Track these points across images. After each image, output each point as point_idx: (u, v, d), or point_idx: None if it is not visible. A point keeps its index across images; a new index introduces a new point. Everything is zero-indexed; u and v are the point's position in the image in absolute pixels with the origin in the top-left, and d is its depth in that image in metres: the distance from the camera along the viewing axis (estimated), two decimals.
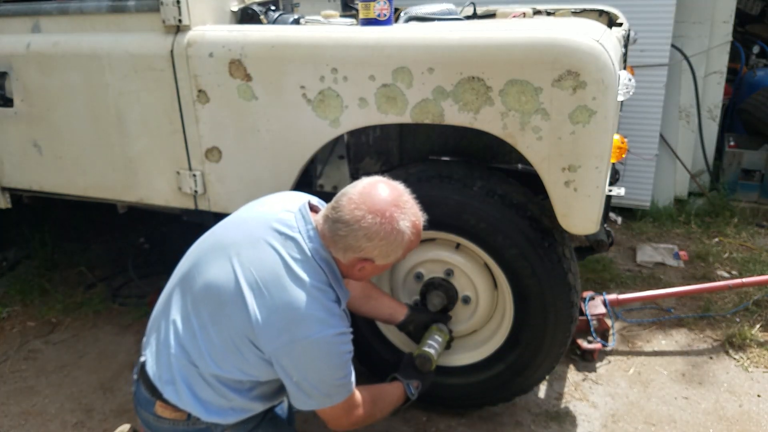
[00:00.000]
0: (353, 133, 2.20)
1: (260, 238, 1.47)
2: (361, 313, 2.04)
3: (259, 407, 1.59)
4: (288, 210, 1.54)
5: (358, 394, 1.60)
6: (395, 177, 2.07)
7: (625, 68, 2.28)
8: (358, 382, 1.62)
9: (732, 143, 4.24)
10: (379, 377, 2.41)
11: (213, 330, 1.45)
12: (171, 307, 1.54)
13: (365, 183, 1.50)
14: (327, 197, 2.34)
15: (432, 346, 1.97)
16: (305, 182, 2.32)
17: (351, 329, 1.52)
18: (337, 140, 2.13)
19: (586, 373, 2.60)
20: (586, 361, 2.66)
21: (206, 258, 1.51)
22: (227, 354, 1.45)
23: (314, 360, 1.43)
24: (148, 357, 1.56)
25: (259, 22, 2.26)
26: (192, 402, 1.49)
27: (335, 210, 1.46)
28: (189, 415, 1.50)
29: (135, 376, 1.61)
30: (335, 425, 1.60)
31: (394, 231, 1.45)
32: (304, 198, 1.59)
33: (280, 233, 1.48)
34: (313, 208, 1.59)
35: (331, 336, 1.42)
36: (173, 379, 1.50)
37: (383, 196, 1.47)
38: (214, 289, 1.45)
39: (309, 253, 1.46)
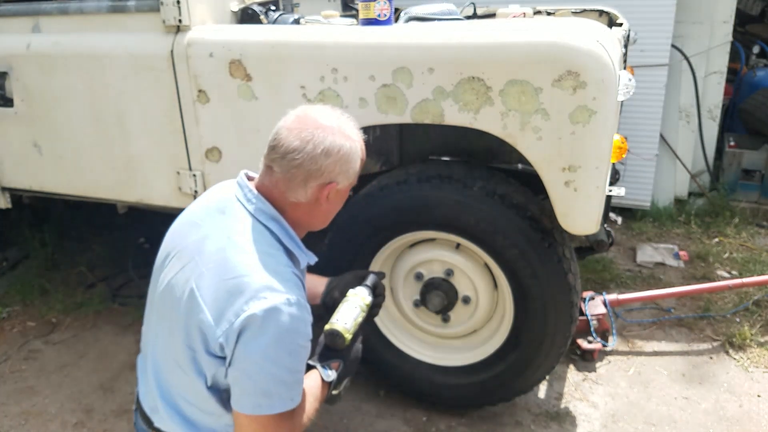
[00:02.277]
0: None
1: (203, 227, 1.37)
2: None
3: None
4: (225, 188, 1.45)
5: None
6: (395, 177, 2.09)
7: (625, 68, 2.28)
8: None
9: (732, 143, 4.24)
10: (379, 378, 2.42)
11: (175, 342, 1.33)
12: (147, 331, 1.48)
13: (295, 112, 1.40)
14: None
15: (341, 317, 1.59)
16: None
17: (308, 308, 1.33)
18: None
19: (586, 373, 2.60)
20: (586, 361, 2.66)
21: (161, 273, 1.42)
22: (189, 364, 1.31)
23: (257, 336, 1.22)
24: (140, 385, 1.50)
25: (259, 22, 2.26)
26: (182, 425, 1.39)
27: (276, 149, 1.35)
28: None
29: (134, 407, 1.54)
30: None
31: (347, 140, 1.37)
32: (240, 174, 1.46)
33: (221, 212, 1.38)
34: (251, 178, 1.47)
35: (280, 304, 1.23)
36: (156, 406, 1.41)
37: (319, 113, 1.39)
38: (169, 301, 1.35)
39: (251, 217, 1.35)
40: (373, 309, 1.71)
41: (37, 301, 3.27)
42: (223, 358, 1.27)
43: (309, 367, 1.47)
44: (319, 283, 1.84)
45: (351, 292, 1.67)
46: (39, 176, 2.61)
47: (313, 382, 1.43)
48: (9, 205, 2.79)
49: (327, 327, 1.55)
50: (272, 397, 1.25)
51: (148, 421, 1.45)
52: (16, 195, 2.79)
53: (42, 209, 3.79)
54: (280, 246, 1.35)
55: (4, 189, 2.74)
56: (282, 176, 1.35)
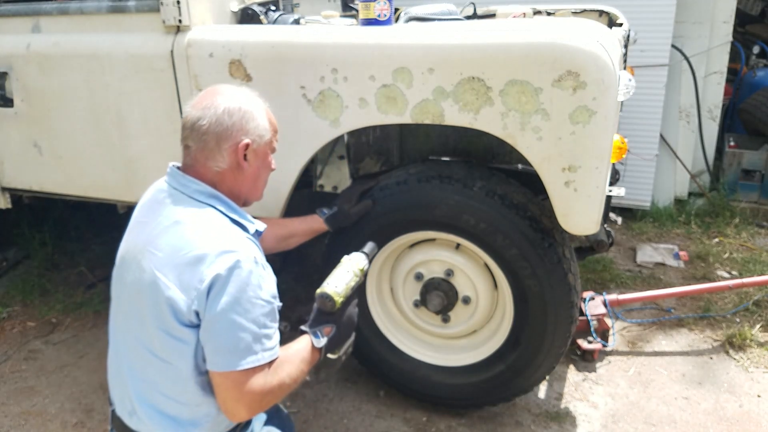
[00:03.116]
0: (353, 134, 2.20)
1: (148, 222, 1.43)
2: (281, 245, 2.00)
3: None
4: (158, 184, 1.52)
5: (274, 364, 1.39)
6: (395, 177, 2.09)
7: (625, 68, 2.28)
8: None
9: (732, 143, 4.24)
10: (379, 378, 2.42)
11: (148, 332, 1.38)
12: (116, 345, 1.50)
13: (196, 96, 1.50)
14: (327, 197, 2.36)
15: (333, 281, 1.58)
16: (305, 182, 2.32)
17: (269, 267, 1.41)
18: (337, 140, 2.13)
19: (586, 373, 2.60)
20: (586, 361, 2.66)
21: (120, 278, 1.46)
22: (168, 347, 1.36)
23: (222, 292, 1.29)
24: (115, 402, 1.51)
25: (259, 22, 2.26)
26: (162, 422, 1.42)
27: (185, 126, 1.45)
28: None
29: (110, 427, 1.56)
30: (237, 407, 1.34)
31: (247, 98, 1.47)
32: (169, 165, 1.53)
33: (160, 203, 1.45)
34: (179, 168, 1.53)
35: (240, 261, 1.31)
36: (133, 408, 1.44)
37: (217, 86, 1.50)
38: (135, 296, 1.40)
39: (190, 199, 1.42)
40: (367, 267, 1.71)
41: (37, 301, 3.27)
42: (199, 326, 1.34)
43: (301, 333, 1.53)
44: (307, 218, 2.02)
45: (345, 257, 1.68)
46: (39, 176, 2.61)
47: (302, 345, 1.49)
48: (9, 205, 2.79)
49: (318, 290, 1.56)
50: (241, 352, 1.31)
51: (126, 430, 1.47)
52: (16, 195, 2.79)
53: (42, 209, 3.79)
54: (225, 217, 1.42)
55: (4, 189, 2.74)
56: (197, 147, 1.43)
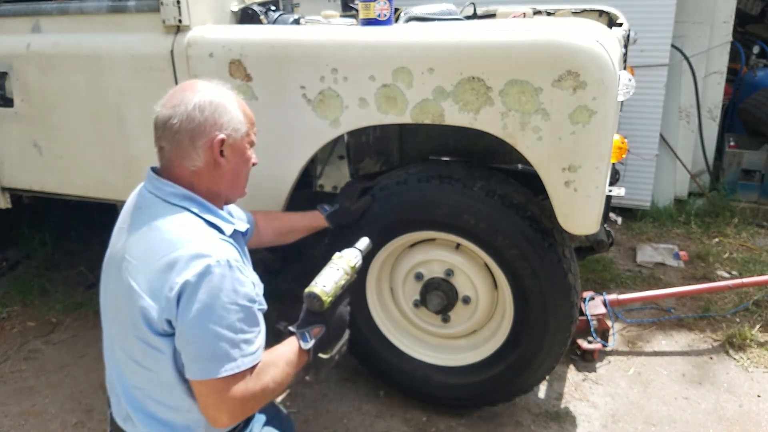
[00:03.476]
0: (353, 133, 2.20)
1: (126, 228, 1.41)
2: (280, 239, 1.98)
3: None
4: (138, 188, 1.48)
5: (256, 369, 1.36)
6: (395, 177, 2.09)
7: (625, 68, 2.28)
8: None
9: (732, 143, 4.24)
10: (379, 378, 2.42)
11: (129, 341, 1.36)
12: (105, 342, 1.49)
13: (168, 92, 1.46)
14: (327, 197, 2.36)
15: (321, 280, 1.55)
16: (305, 182, 2.32)
17: (245, 270, 1.36)
18: (337, 140, 2.13)
19: (586, 373, 2.60)
20: (586, 361, 2.66)
21: (103, 289, 1.46)
22: (147, 356, 1.34)
23: (192, 299, 1.25)
24: (111, 399, 1.51)
25: (259, 22, 2.26)
26: (156, 427, 1.41)
27: (157, 126, 1.39)
28: None
29: (109, 429, 1.56)
30: (219, 415, 1.31)
31: (216, 92, 1.41)
32: (147, 169, 1.48)
33: (138, 208, 1.41)
34: (157, 171, 1.49)
35: (210, 266, 1.26)
36: (128, 414, 1.43)
37: (185, 83, 1.46)
38: (115, 305, 1.39)
39: (164, 203, 1.38)
40: (357, 266, 1.66)
41: (37, 301, 3.27)
42: (173, 335, 1.30)
43: (290, 334, 1.49)
44: (308, 213, 1.99)
45: (336, 254, 1.63)
46: (39, 176, 2.61)
47: (288, 348, 1.45)
48: (9, 205, 2.79)
49: (306, 290, 1.51)
50: (218, 359, 1.27)
51: None
52: (16, 195, 2.79)
53: (42, 209, 3.79)
54: (199, 219, 1.37)
55: (4, 189, 2.74)
56: (170, 147, 1.38)
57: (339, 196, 2.10)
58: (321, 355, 1.51)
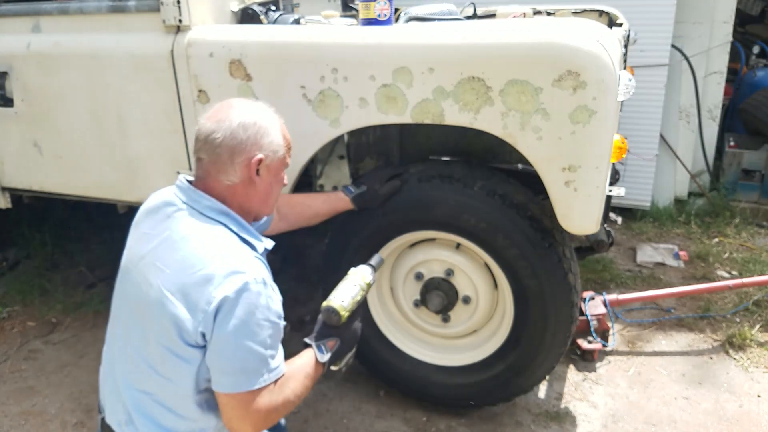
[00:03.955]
0: (353, 133, 2.20)
1: (155, 236, 1.42)
2: (304, 222, 2.00)
3: (216, 422, 1.45)
4: (166, 195, 1.49)
5: (279, 382, 1.39)
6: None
7: (625, 68, 2.28)
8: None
9: (732, 143, 4.24)
10: (379, 378, 2.42)
11: (150, 348, 1.37)
12: (112, 354, 1.50)
13: (211, 108, 1.49)
14: None
15: (339, 294, 1.59)
16: (305, 182, 2.32)
17: (276, 288, 1.40)
18: (337, 140, 2.13)
19: (586, 373, 2.60)
20: (586, 361, 2.66)
21: (124, 289, 1.46)
22: (170, 365, 1.36)
23: (231, 315, 1.28)
24: (106, 410, 1.52)
25: (259, 22, 2.26)
26: None
27: (198, 138, 1.42)
28: None
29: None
30: (244, 427, 1.35)
31: (262, 113, 1.45)
32: (179, 177, 1.51)
33: (169, 217, 1.42)
34: (190, 181, 1.50)
35: (248, 284, 1.30)
36: (130, 417, 1.43)
37: (232, 100, 1.49)
38: (139, 311, 1.39)
39: (199, 215, 1.40)
40: (371, 283, 1.71)
41: (37, 301, 3.26)
42: (204, 347, 1.33)
43: (305, 346, 1.52)
44: (331, 194, 2.00)
45: (352, 270, 1.68)
46: (39, 176, 2.61)
47: (306, 360, 1.48)
48: (9, 205, 2.79)
49: (324, 304, 1.56)
50: (248, 374, 1.31)
51: None
52: (16, 195, 2.79)
53: (42, 209, 3.79)
54: (234, 235, 1.41)
55: (4, 189, 2.74)
56: (209, 160, 1.41)
57: (366, 178, 2.08)
58: (332, 367, 1.56)
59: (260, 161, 1.43)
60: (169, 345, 1.34)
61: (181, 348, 1.34)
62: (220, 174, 1.42)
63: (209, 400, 1.41)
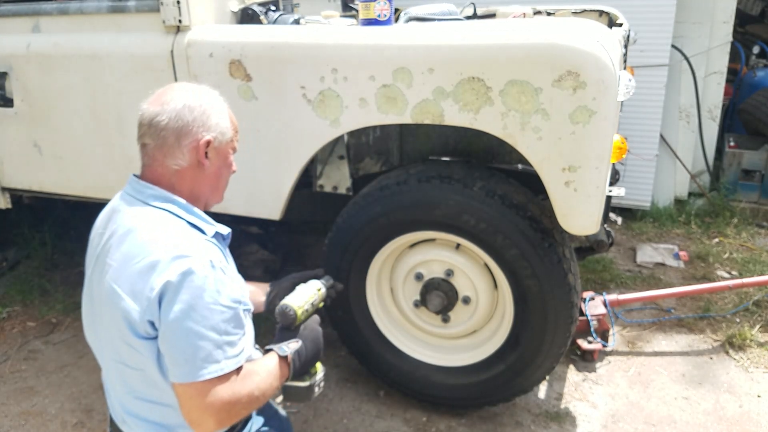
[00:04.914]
0: (353, 134, 2.20)
1: (105, 233, 1.39)
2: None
3: None
4: (117, 194, 1.46)
5: (241, 375, 1.33)
6: (395, 177, 2.09)
7: (625, 68, 2.28)
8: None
9: (732, 143, 4.24)
10: (379, 378, 2.42)
11: (116, 344, 1.35)
12: (94, 348, 1.49)
13: (149, 95, 1.43)
14: (327, 198, 2.36)
15: (292, 295, 1.63)
16: (305, 182, 2.32)
17: (227, 270, 1.34)
18: (337, 140, 2.13)
19: (586, 374, 2.60)
20: (586, 361, 2.66)
21: (87, 297, 1.44)
22: (134, 358, 1.33)
23: (174, 300, 1.24)
24: (108, 402, 1.52)
25: (259, 22, 2.26)
26: (151, 428, 1.40)
27: (142, 123, 1.38)
28: None
29: (108, 430, 1.56)
30: (203, 418, 1.27)
31: (208, 95, 1.42)
32: (129, 176, 1.47)
33: (116, 212, 1.40)
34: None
35: (191, 267, 1.25)
36: (123, 417, 1.43)
37: (174, 84, 1.46)
38: (99, 309, 1.38)
39: (145, 206, 1.36)
40: (328, 295, 1.76)
41: (37, 301, 3.27)
42: (156, 338, 1.28)
43: (266, 352, 1.48)
44: (261, 291, 1.85)
45: (303, 285, 1.73)
46: (39, 176, 2.61)
47: (268, 359, 1.43)
48: (9, 205, 2.79)
49: (277, 306, 1.58)
50: (201, 362, 1.24)
51: None
52: (16, 195, 2.79)
53: (42, 209, 3.79)
54: (181, 221, 1.36)
55: (4, 189, 2.75)
56: (155, 145, 1.37)
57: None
58: (298, 383, 1.52)
59: (208, 143, 1.39)
60: (126, 340, 1.30)
61: (135, 342, 1.29)
62: (167, 158, 1.38)
63: None
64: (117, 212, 1.40)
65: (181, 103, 1.36)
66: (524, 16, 2.66)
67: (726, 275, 3.35)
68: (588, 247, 2.38)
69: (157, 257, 1.26)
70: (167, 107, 1.36)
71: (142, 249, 1.29)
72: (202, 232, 1.38)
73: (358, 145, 2.34)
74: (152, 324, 1.27)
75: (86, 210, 3.77)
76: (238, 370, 1.32)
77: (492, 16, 2.84)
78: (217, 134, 1.41)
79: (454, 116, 1.83)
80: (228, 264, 1.42)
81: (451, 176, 2.00)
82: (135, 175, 1.44)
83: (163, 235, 1.30)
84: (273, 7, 2.35)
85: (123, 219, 1.36)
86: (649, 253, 3.58)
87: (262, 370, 1.38)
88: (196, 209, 1.41)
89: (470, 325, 2.25)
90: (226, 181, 1.52)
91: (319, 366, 1.59)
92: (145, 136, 1.38)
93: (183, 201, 1.39)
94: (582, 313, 2.69)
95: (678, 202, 4.23)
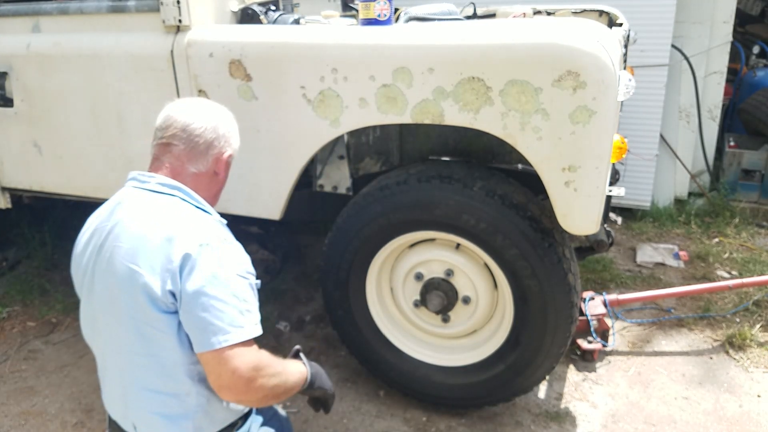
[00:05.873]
0: (353, 133, 2.20)
1: (108, 223, 1.42)
2: None
3: (209, 395, 1.43)
4: (115, 193, 1.51)
5: (266, 353, 1.40)
6: (395, 177, 2.09)
7: (625, 68, 2.28)
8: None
9: (732, 143, 4.24)
10: (379, 378, 2.42)
11: (127, 332, 1.37)
12: (96, 347, 1.50)
13: (179, 101, 1.55)
14: (327, 197, 2.36)
15: None
16: (305, 182, 2.32)
17: (239, 245, 1.42)
18: (337, 140, 2.13)
19: (586, 373, 2.60)
20: (586, 361, 2.66)
21: (88, 294, 1.45)
22: (149, 340, 1.35)
23: (195, 270, 1.29)
24: (108, 405, 1.52)
25: (259, 22, 2.26)
26: (154, 420, 1.40)
27: (173, 126, 1.46)
28: None
29: (107, 431, 1.56)
30: (235, 383, 1.31)
31: (227, 112, 1.56)
32: (130, 173, 1.53)
33: (120, 203, 1.44)
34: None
35: (209, 240, 1.33)
36: (125, 413, 1.44)
37: (201, 99, 1.62)
38: (109, 298, 1.39)
39: (152, 193, 1.42)
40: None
41: (37, 301, 3.27)
42: (176, 312, 1.33)
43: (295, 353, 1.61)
44: None
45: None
46: (39, 176, 2.61)
47: (298, 367, 1.53)
48: (9, 205, 2.79)
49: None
50: (228, 326, 1.30)
51: None
52: (16, 195, 2.79)
53: (42, 209, 3.79)
54: (189, 204, 1.45)
55: (4, 189, 2.74)
56: (185, 147, 1.47)
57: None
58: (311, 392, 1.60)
59: (230, 156, 1.54)
60: (145, 320, 1.33)
61: (155, 318, 1.32)
62: (190, 162, 1.47)
63: (201, 372, 1.38)
64: (121, 203, 1.44)
65: (217, 117, 1.51)
66: (524, 16, 2.66)
67: (726, 275, 3.35)
68: (588, 247, 2.38)
69: (172, 232, 1.33)
70: (205, 119, 1.49)
71: (155, 226, 1.35)
72: (208, 213, 1.48)
73: (358, 145, 2.34)
74: (173, 295, 1.31)
75: (86, 210, 3.79)
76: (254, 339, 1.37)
77: (492, 16, 2.84)
78: (233, 151, 1.56)
79: (454, 116, 1.83)
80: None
81: (451, 176, 2.00)
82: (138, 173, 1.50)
83: (175, 213, 1.38)
84: (273, 7, 2.35)
85: (131, 207, 1.42)
86: (649, 253, 3.58)
87: (293, 373, 1.48)
88: (200, 198, 1.49)
89: (470, 325, 2.25)
90: (222, 189, 1.64)
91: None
92: (174, 138, 1.47)
93: (188, 189, 1.46)
94: (582, 313, 2.69)
95: (678, 202, 4.23)
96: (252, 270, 1.42)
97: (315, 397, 1.65)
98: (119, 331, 1.39)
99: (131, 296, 1.33)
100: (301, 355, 1.60)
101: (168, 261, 1.30)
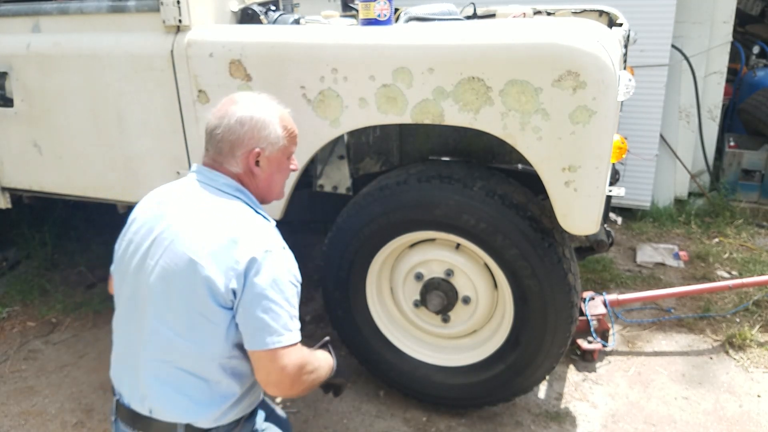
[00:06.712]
0: (353, 133, 2.20)
1: (170, 213, 1.49)
2: None
3: (237, 389, 1.50)
4: (172, 184, 1.58)
5: (306, 350, 1.51)
6: (395, 177, 2.09)
7: (625, 68, 2.28)
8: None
9: (732, 143, 4.24)
10: (379, 378, 2.42)
11: (177, 315, 1.42)
12: (128, 325, 1.52)
13: (222, 101, 1.58)
14: (327, 197, 2.36)
15: None
16: (305, 182, 2.32)
17: (291, 251, 1.51)
18: (337, 140, 2.13)
19: (586, 373, 2.60)
20: (586, 361, 2.66)
21: (138, 270, 1.49)
22: (198, 329, 1.42)
23: (259, 274, 1.39)
24: (123, 390, 1.53)
25: (259, 22, 2.26)
26: (177, 399, 1.44)
27: (205, 132, 1.54)
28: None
29: (113, 417, 1.57)
30: (282, 380, 1.43)
31: (261, 107, 1.53)
32: (193, 165, 1.62)
33: (185, 195, 1.52)
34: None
35: (272, 247, 1.43)
36: (146, 393, 1.46)
37: (236, 95, 1.58)
38: (162, 282, 1.43)
39: (218, 191, 1.51)
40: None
41: (37, 301, 3.27)
42: (232, 308, 1.41)
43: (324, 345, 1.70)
44: None
45: None
46: (39, 176, 2.61)
47: (328, 360, 1.64)
48: (9, 205, 2.79)
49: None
50: (281, 329, 1.40)
51: (137, 418, 1.49)
52: (16, 195, 2.79)
53: (42, 209, 3.79)
54: (250, 209, 1.53)
55: (4, 189, 2.74)
56: (214, 151, 1.54)
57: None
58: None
59: (259, 154, 1.52)
60: (200, 309, 1.40)
61: (211, 310, 1.40)
62: (224, 164, 1.53)
63: (235, 368, 1.47)
64: (188, 195, 1.52)
65: (234, 117, 1.50)
66: (524, 16, 2.66)
67: (726, 275, 3.35)
68: (588, 247, 2.38)
69: (237, 234, 1.41)
70: (223, 121, 1.51)
71: (222, 226, 1.43)
72: (267, 219, 1.55)
73: (358, 145, 2.34)
74: (234, 293, 1.39)
75: (86, 210, 3.80)
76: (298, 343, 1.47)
77: (492, 16, 2.84)
78: (267, 145, 1.53)
79: (454, 116, 1.83)
80: None
81: (451, 176, 2.00)
82: (203, 165, 1.57)
83: (240, 217, 1.47)
84: (273, 7, 2.35)
85: (197, 200, 1.50)
86: (649, 253, 3.59)
87: (325, 366, 1.60)
88: (258, 203, 1.58)
89: (470, 325, 2.25)
90: (283, 182, 1.66)
91: None
92: (208, 143, 1.55)
93: (249, 193, 1.55)
94: (582, 313, 2.69)
95: (678, 202, 4.23)
96: (300, 277, 1.50)
97: (331, 383, 1.72)
98: (166, 312, 1.44)
99: (189, 285, 1.40)
100: (330, 346, 1.69)
101: (234, 262, 1.38)
